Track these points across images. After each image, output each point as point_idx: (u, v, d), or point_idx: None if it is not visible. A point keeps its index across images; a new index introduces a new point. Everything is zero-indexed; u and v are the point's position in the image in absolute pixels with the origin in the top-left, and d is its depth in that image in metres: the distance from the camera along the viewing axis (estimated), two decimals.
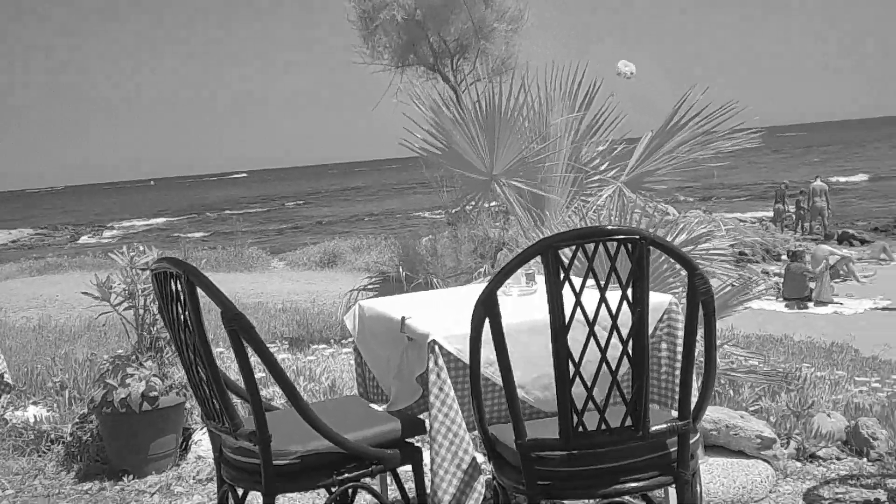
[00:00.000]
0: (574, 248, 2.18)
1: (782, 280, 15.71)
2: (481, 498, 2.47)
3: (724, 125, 5.69)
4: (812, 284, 15.24)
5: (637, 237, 2.13)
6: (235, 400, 2.63)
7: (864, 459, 3.76)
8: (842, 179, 45.82)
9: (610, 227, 2.13)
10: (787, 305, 14.96)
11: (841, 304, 14.83)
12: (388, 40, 9.06)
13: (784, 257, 18.97)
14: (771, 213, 28.17)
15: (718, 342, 5.24)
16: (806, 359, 7.85)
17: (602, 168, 6.13)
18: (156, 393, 3.89)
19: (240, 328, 2.30)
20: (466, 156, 5.77)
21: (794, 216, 27.09)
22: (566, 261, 2.12)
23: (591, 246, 2.18)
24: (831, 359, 8.32)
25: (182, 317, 2.39)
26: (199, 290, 2.32)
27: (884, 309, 14.25)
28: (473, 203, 6.38)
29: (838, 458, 3.78)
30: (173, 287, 2.40)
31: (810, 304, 14.87)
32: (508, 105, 5.71)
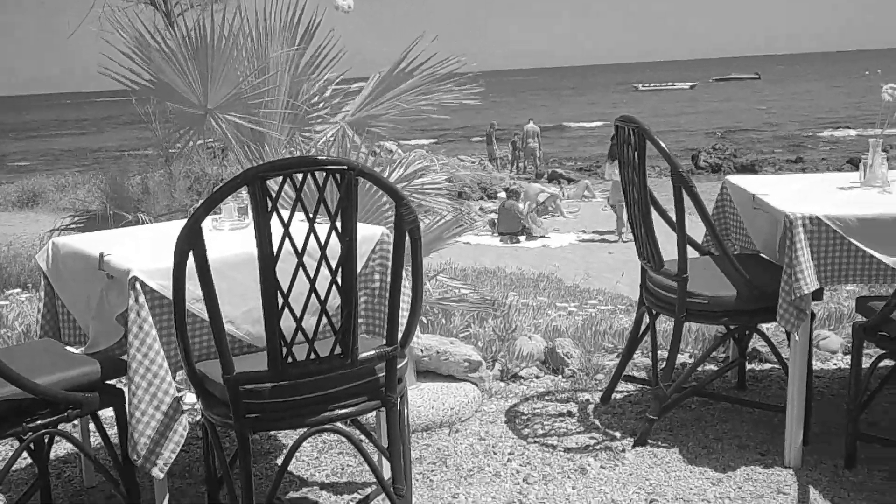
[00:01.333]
0: (282, 179, 2.14)
1: (497, 216, 16.67)
2: (182, 441, 2.40)
3: (455, 77, 5.84)
4: (523, 220, 16.31)
5: (345, 167, 2.13)
6: None
7: (560, 377, 4.11)
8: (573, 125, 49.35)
9: (318, 158, 2.11)
10: (501, 240, 15.92)
11: (549, 238, 16.03)
12: None
13: (501, 195, 20.09)
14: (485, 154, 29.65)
15: (435, 273, 5.48)
16: (515, 288, 8.40)
17: (323, 106, 6.09)
18: None
19: None
20: (178, 89, 5.47)
21: (509, 156, 28.69)
22: (275, 193, 2.08)
23: (301, 177, 2.15)
24: (537, 288, 8.98)
25: None
26: None
27: (585, 241, 15.60)
28: (187, 138, 6.09)
29: (537, 377, 4.10)
30: None
31: (522, 239, 15.92)
32: (223, 34, 5.46)
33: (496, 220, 16.61)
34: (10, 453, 3.20)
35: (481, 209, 19.47)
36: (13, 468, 2.40)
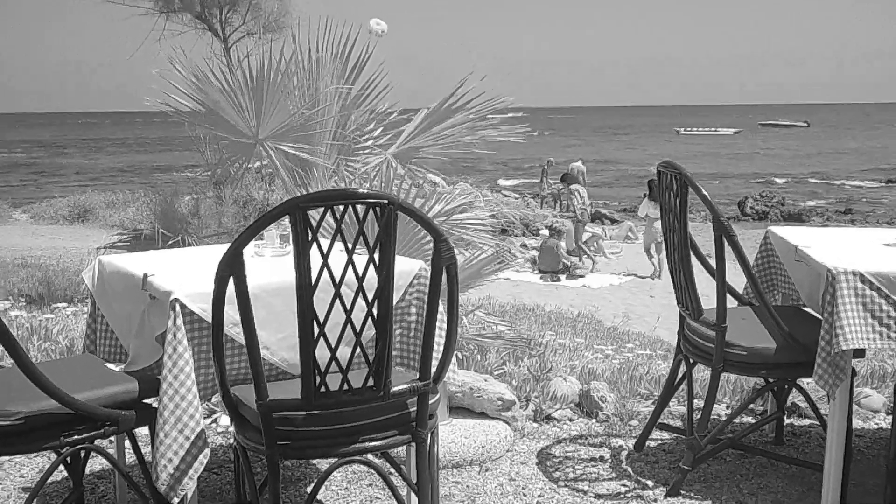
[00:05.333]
0: (323, 209, 2.18)
1: (538, 254, 16.63)
2: (201, 468, 2.41)
3: (501, 114, 5.90)
4: (564, 259, 16.25)
5: (385, 202, 2.16)
6: None
7: (594, 420, 4.07)
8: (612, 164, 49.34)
9: (359, 191, 2.15)
10: (541, 278, 15.86)
11: (590, 277, 15.94)
12: None
13: (543, 232, 20.06)
14: (535, 189, 29.64)
15: (472, 308, 5.48)
16: (553, 327, 8.36)
17: (375, 135, 6.16)
18: None
19: None
20: (231, 120, 5.58)
21: (552, 194, 28.62)
22: (316, 223, 2.12)
23: (341, 209, 2.19)
24: (575, 328, 8.92)
25: None
26: None
27: (626, 283, 15.48)
28: (238, 165, 6.20)
29: (571, 420, 4.07)
30: None
31: (562, 277, 15.85)
32: (279, 67, 5.58)
33: (537, 258, 16.57)
34: (47, 466, 3.26)
35: (523, 246, 19.44)
36: (49, 481, 2.44)
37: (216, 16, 9.32)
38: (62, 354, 4.41)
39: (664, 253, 16.27)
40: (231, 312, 2.23)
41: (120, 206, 18.88)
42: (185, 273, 2.69)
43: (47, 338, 4.61)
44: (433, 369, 2.41)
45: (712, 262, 3.20)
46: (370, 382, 2.27)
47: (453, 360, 2.62)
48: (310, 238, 2.11)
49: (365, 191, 2.18)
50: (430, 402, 2.42)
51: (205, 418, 3.51)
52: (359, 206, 2.18)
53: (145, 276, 2.57)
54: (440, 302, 2.39)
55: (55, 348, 4.45)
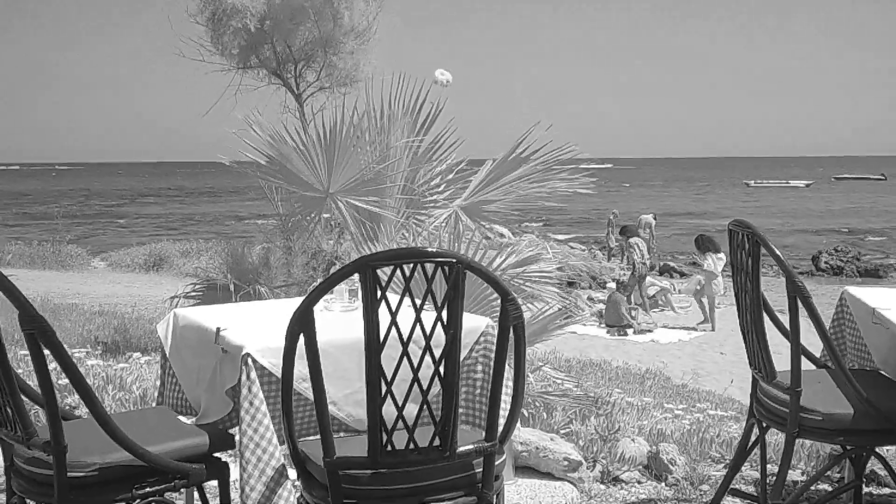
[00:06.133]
0: (392, 267, 2.20)
1: (605, 307, 16.42)
2: None
3: (567, 162, 5.91)
4: (633, 313, 16.03)
5: (453, 261, 2.18)
6: (35, 408, 2.49)
7: (663, 484, 3.98)
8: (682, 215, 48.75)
9: (427, 250, 2.17)
10: (608, 332, 15.64)
11: (658, 332, 15.67)
12: (231, 41, 8.85)
13: (609, 285, 19.83)
14: (602, 241, 29.41)
15: (539, 365, 5.43)
16: (620, 384, 8.23)
17: (440, 189, 6.23)
18: None
19: (38, 331, 2.18)
20: (303, 174, 5.71)
21: (620, 246, 28.32)
22: (385, 279, 2.14)
23: (410, 266, 2.21)
24: (643, 385, 8.77)
25: None
26: None
27: (695, 338, 15.17)
28: (309, 218, 6.32)
29: (639, 482, 3.98)
30: None
31: (630, 332, 15.61)
32: (351, 122, 5.70)
33: (604, 312, 16.37)
34: None
35: (590, 299, 19.25)
36: None
37: (291, 71, 9.59)
38: (136, 404, 4.51)
39: (720, 309, 16.04)
40: (300, 368, 2.26)
41: (193, 254, 19.36)
42: (257, 327, 2.74)
43: (121, 387, 4.72)
44: (499, 429, 2.39)
45: (785, 321, 3.12)
46: (436, 442, 2.26)
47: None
48: (379, 296, 2.14)
49: (434, 249, 2.21)
50: (496, 462, 2.40)
51: None
52: (427, 265, 2.20)
53: (218, 329, 2.62)
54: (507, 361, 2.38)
55: (129, 398, 4.56)
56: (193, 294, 6.81)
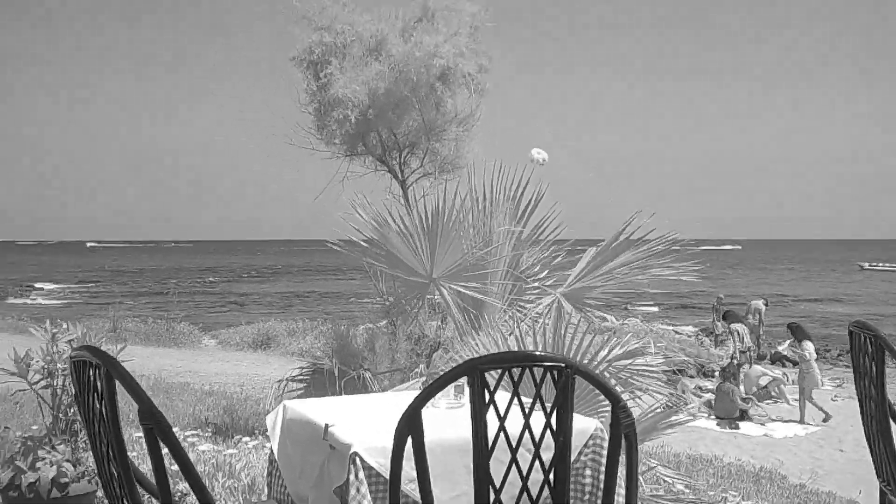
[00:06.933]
0: (500, 371, 2.19)
1: (714, 398, 15.82)
2: None
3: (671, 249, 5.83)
4: (743, 405, 15.37)
5: (563, 365, 2.15)
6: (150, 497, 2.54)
7: None
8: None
9: (537, 354, 2.16)
10: (718, 424, 15.01)
11: (771, 425, 14.96)
12: (339, 130, 9.15)
13: (718, 374, 19.14)
14: (708, 327, 28.52)
15: (649, 468, 5.25)
16: (734, 483, 7.87)
17: (542, 276, 6.21)
18: (66, 479, 3.74)
19: (156, 427, 2.24)
20: (407, 261, 5.79)
21: (726, 333, 27.38)
22: (493, 381, 2.13)
23: (518, 371, 2.19)
24: (759, 485, 8.36)
25: (97, 408, 2.32)
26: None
27: (813, 433, 14.41)
28: (412, 303, 6.38)
29: None
30: (91, 376, 2.33)
31: (741, 425, 14.96)
32: (453, 209, 5.77)
33: (713, 402, 15.76)
34: None
35: (697, 387, 18.61)
36: None
37: (395, 158, 9.84)
38: (244, 493, 4.56)
39: (837, 402, 15.19)
40: (407, 468, 2.25)
41: (300, 333, 19.76)
42: (364, 425, 2.75)
43: (231, 475, 4.79)
44: None
45: None
46: None
47: None
48: (487, 400, 2.12)
49: (542, 353, 2.19)
50: None
51: None
52: (536, 369, 2.18)
53: (326, 426, 2.64)
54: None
55: (238, 486, 4.61)
56: (300, 377, 6.92)
